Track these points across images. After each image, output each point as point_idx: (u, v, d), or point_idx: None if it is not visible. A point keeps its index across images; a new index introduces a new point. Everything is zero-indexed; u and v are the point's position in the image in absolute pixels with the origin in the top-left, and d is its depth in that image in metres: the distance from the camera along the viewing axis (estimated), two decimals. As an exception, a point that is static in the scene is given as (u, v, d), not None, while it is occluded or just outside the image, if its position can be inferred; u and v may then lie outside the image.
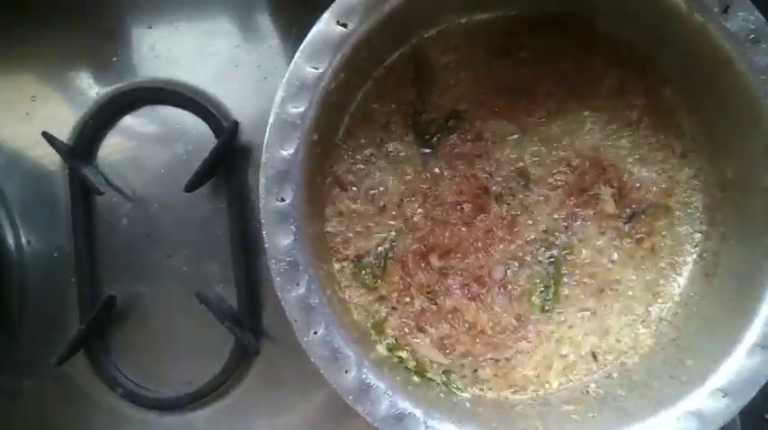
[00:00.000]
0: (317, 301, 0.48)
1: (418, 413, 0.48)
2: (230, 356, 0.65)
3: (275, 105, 0.48)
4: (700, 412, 0.49)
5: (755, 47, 0.49)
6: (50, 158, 0.68)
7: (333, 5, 0.49)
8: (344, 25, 0.50)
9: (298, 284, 0.48)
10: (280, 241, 0.48)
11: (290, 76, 0.49)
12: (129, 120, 0.68)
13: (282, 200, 0.48)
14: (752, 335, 0.50)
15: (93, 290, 0.67)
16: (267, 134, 0.48)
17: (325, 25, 0.49)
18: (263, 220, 0.48)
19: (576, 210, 0.60)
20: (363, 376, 0.48)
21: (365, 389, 0.48)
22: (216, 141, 0.65)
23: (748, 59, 0.49)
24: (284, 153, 0.48)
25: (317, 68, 0.49)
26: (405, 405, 0.48)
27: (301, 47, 0.49)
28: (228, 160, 0.66)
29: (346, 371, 0.48)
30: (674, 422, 0.49)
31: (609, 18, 0.58)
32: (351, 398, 0.48)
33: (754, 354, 0.49)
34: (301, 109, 0.49)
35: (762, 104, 0.50)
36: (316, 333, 0.48)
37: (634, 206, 0.60)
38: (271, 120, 0.48)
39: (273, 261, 0.48)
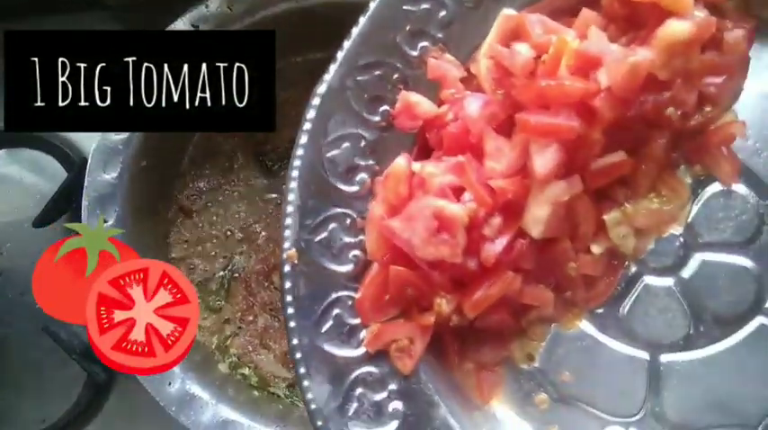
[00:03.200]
0: (143, 320, 0.50)
1: (243, 420, 0.50)
2: (82, 391, 0.65)
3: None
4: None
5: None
6: None
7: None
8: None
9: (125, 306, 0.50)
10: (106, 264, 0.50)
11: (113, 105, 0.52)
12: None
13: (105, 221, 0.50)
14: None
15: (-59, 333, 0.66)
16: (90, 159, 0.51)
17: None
18: (88, 243, 0.50)
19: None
20: (187, 388, 0.50)
21: (188, 400, 0.50)
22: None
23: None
24: (107, 177, 0.51)
25: (140, 99, 0.52)
26: (227, 412, 0.50)
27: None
28: (80, 195, 0.67)
29: (169, 384, 0.49)
30: None
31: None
32: (173, 409, 0.49)
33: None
34: (124, 135, 0.52)
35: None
36: (139, 348, 0.49)
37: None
38: (93, 146, 0.51)
39: (100, 284, 0.50)
